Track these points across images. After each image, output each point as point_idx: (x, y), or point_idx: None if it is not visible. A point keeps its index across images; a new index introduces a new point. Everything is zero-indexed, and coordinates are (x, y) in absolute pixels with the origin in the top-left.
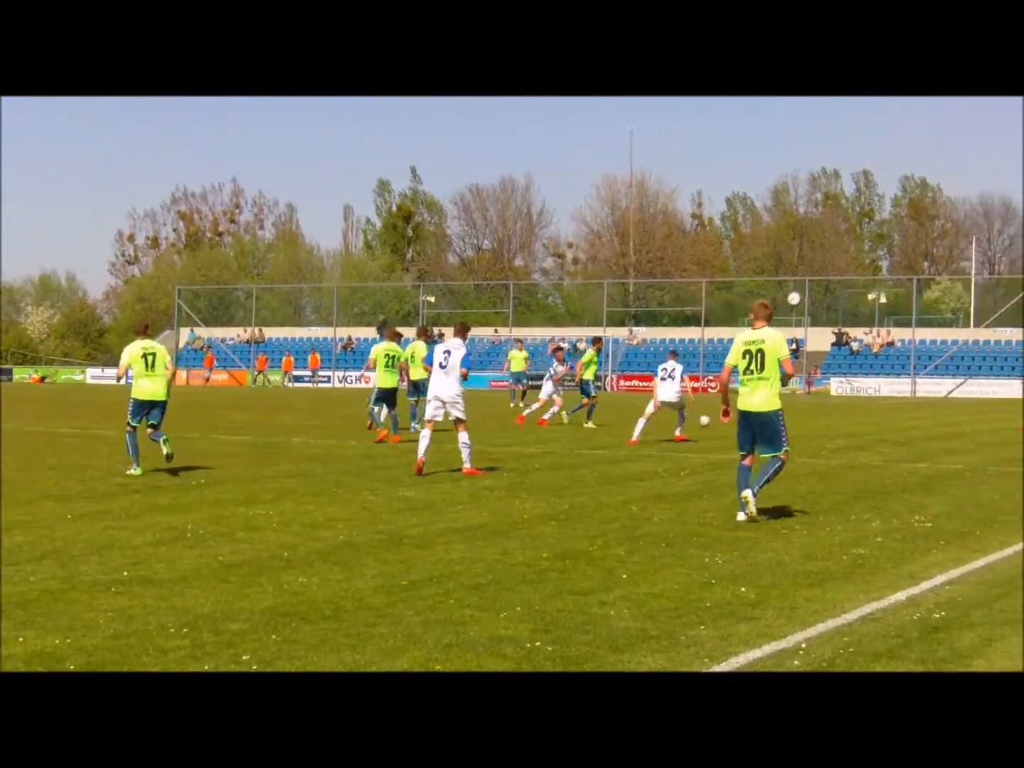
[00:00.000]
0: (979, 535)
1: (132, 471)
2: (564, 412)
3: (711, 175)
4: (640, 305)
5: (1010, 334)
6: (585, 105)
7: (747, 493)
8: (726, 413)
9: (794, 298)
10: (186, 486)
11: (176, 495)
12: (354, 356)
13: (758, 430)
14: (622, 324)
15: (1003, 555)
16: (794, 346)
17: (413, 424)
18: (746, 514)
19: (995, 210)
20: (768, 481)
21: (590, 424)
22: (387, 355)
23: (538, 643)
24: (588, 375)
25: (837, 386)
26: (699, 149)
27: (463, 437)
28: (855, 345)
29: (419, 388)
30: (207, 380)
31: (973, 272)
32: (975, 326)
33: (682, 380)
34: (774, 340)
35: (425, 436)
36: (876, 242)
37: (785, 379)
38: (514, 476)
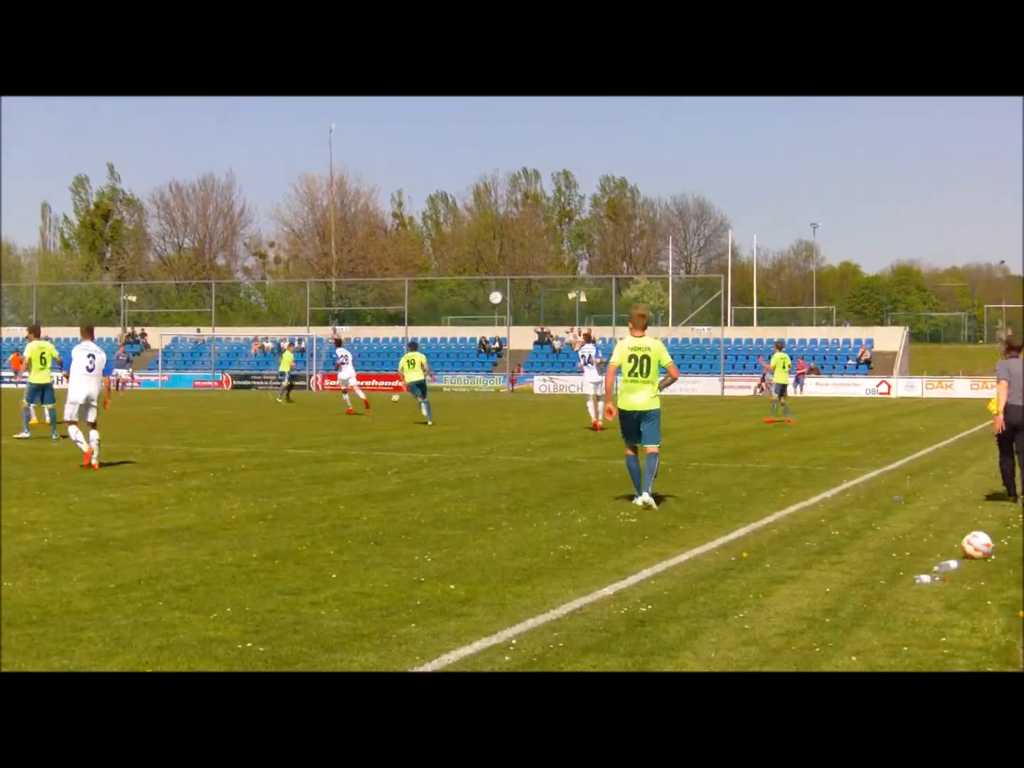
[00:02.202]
0: (682, 529)
1: None
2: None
3: (412, 174)
4: (343, 304)
5: (708, 332)
6: (285, 103)
7: (647, 499)
8: (611, 412)
9: (496, 297)
10: None
11: None
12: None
13: (644, 426)
14: (325, 323)
15: (705, 548)
16: (496, 344)
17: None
18: (643, 504)
19: (689, 210)
20: (655, 476)
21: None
22: (41, 353)
23: (249, 644)
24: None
25: (540, 384)
26: (399, 148)
27: (96, 435)
28: (557, 343)
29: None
30: None
31: (670, 272)
32: (673, 324)
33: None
34: (658, 348)
35: (77, 433)
36: (576, 242)
37: (671, 382)
38: (220, 476)
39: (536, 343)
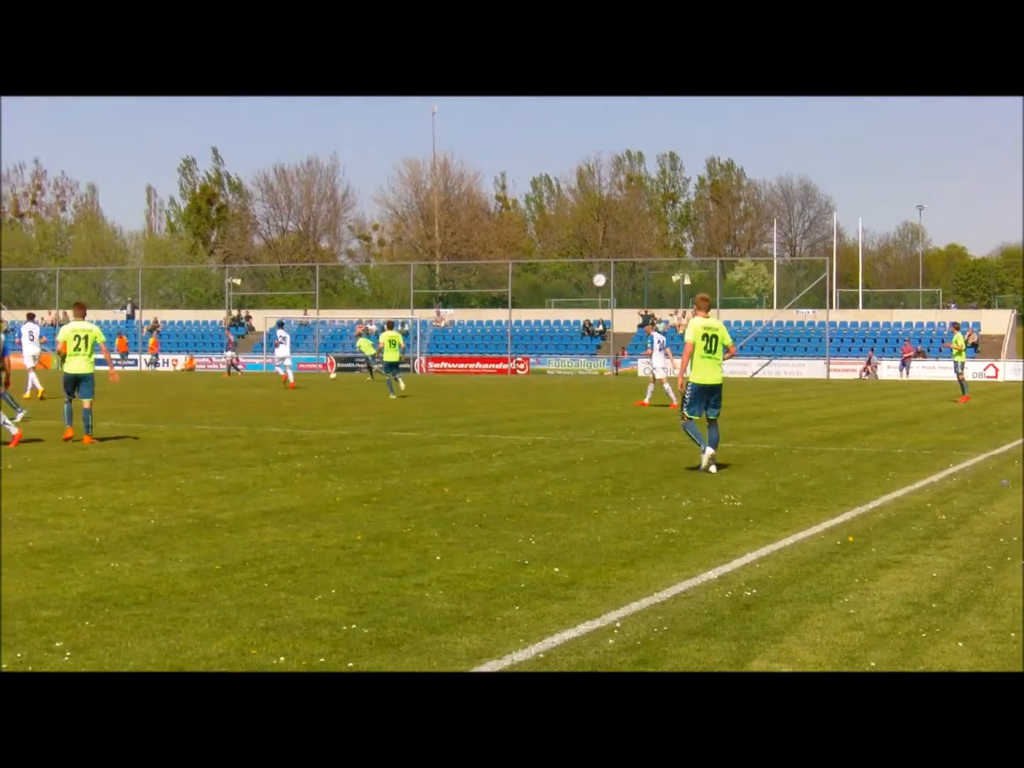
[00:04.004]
0: (787, 513)
1: None
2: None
3: (515, 157)
4: (447, 287)
5: (813, 315)
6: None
7: (713, 451)
8: (683, 384)
9: (599, 280)
10: None
11: None
12: (160, 338)
13: (713, 399)
14: (429, 306)
15: (810, 532)
16: (600, 327)
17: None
18: (708, 462)
19: (794, 192)
20: (718, 441)
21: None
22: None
23: (354, 625)
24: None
25: (644, 367)
26: (503, 131)
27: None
28: (661, 326)
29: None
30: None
31: (775, 254)
32: (778, 307)
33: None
34: (723, 329)
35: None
36: (680, 224)
37: (729, 358)
38: (325, 459)
39: (640, 326)
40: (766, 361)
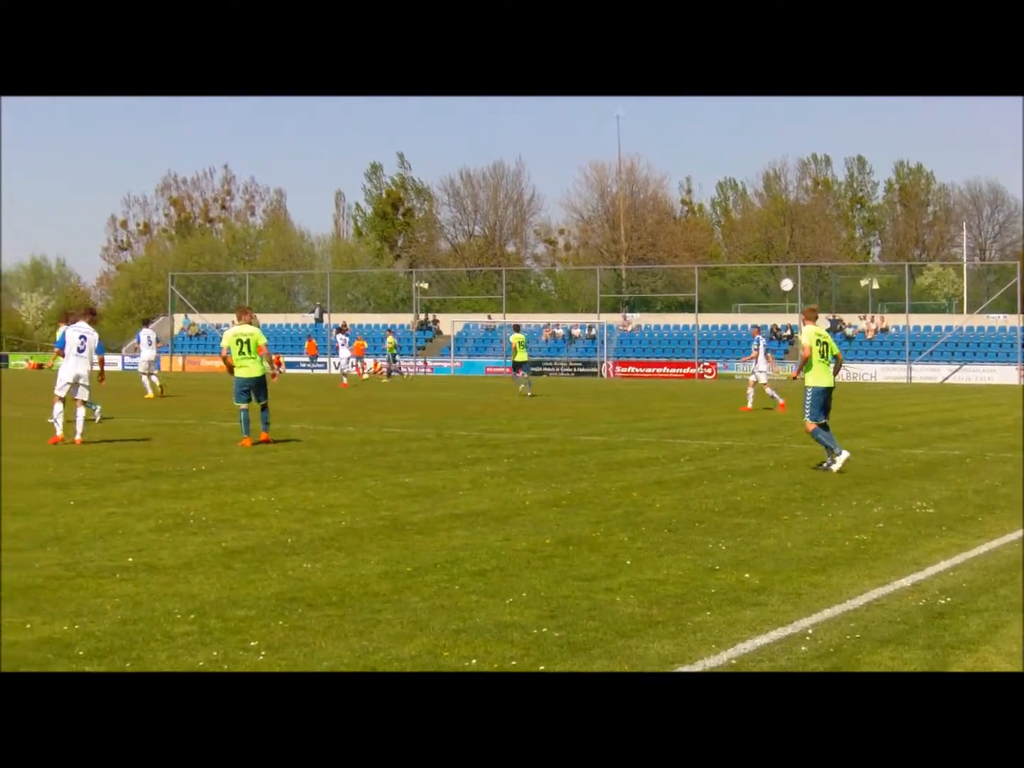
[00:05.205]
0: (981, 521)
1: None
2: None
3: (700, 161)
4: (633, 291)
5: (1004, 320)
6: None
7: (848, 454)
8: (795, 376)
9: (787, 284)
10: (186, 473)
11: (177, 481)
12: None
13: (829, 401)
14: (615, 310)
15: (1005, 540)
16: (788, 332)
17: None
18: (842, 463)
19: (983, 196)
20: None
21: None
22: (238, 340)
23: (544, 629)
24: None
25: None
26: (688, 135)
27: (83, 413)
28: (849, 331)
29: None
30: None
31: (965, 258)
32: (968, 312)
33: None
34: (831, 337)
35: (59, 411)
36: (868, 228)
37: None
38: (514, 462)
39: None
40: (956, 367)
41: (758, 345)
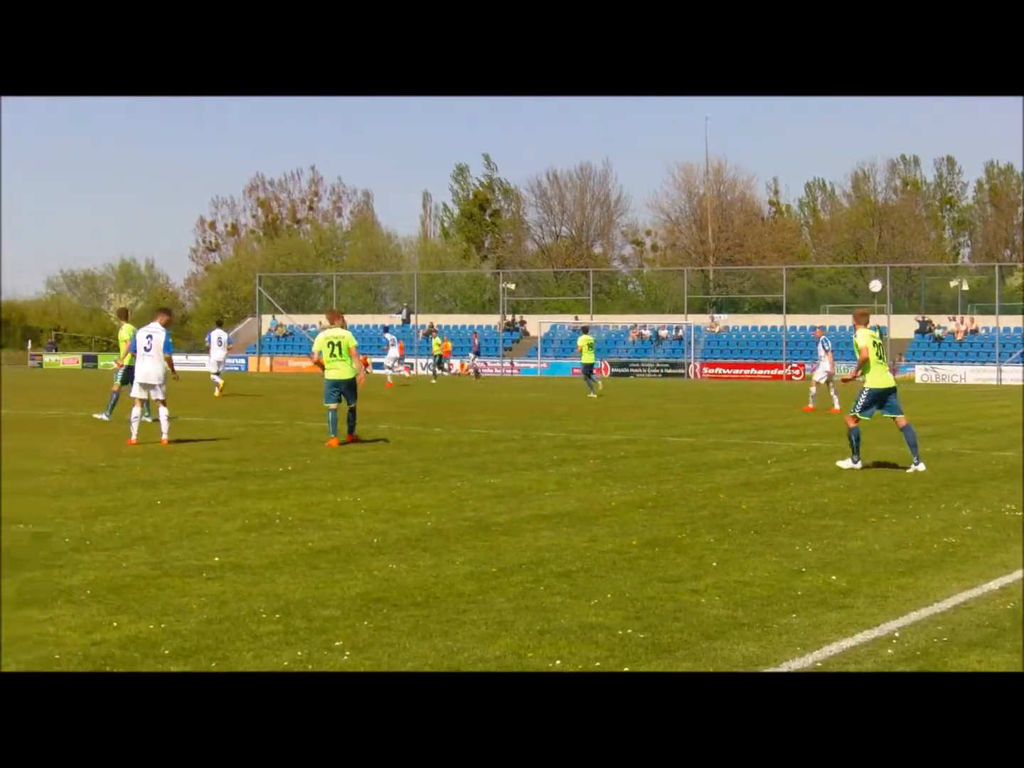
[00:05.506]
0: None
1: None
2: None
3: (788, 162)
4: (720, 292)
5: None
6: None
7: (921, 467)
8: (852, 377)
9: (876, 285)
10: (273, 473)
11: (263, 481)
12: (429, 342)
13: (892, 400)
14: (703, 311)
15: None
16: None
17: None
18: (914, 472)
19: None
20: (916, 441)
21: None
22: (329, 343)
23: (630, 630)
24: None
25: (922, 373)
26: (776, 136)
27: (165, 412)
28: (939, 332)
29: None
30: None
31: None
32: None
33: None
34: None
35: (136, 414)
36: (957, 229)
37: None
38: (600, 463)
39: (917, 331)
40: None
41: (827, 346)
